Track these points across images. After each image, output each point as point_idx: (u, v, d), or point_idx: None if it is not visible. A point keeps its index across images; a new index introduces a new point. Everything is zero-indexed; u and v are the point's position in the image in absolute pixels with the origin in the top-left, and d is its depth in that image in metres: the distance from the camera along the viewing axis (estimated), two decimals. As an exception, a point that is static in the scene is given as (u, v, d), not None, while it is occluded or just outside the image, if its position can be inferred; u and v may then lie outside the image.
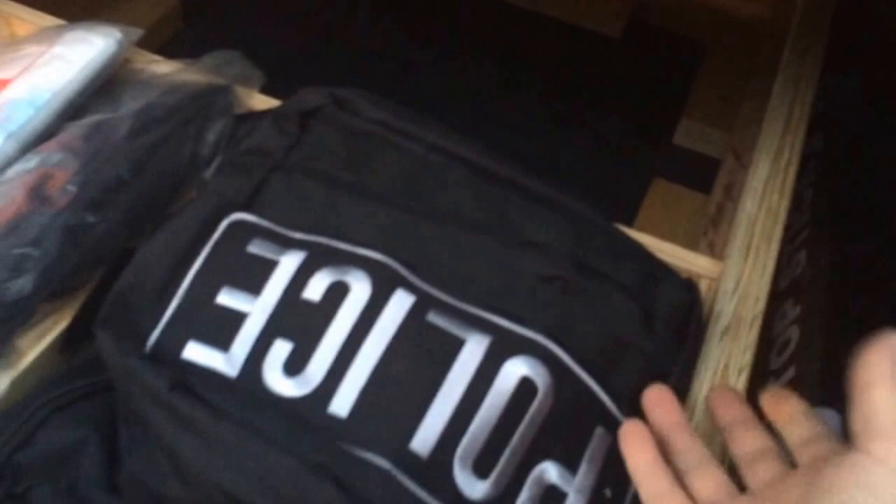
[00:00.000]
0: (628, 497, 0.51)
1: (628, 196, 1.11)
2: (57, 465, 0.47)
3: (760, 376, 0.84)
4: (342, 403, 0.47)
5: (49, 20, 0.74)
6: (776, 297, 0.93)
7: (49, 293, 0.54)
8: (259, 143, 0.58)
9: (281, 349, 0.49)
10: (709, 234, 0.93)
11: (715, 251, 0.89)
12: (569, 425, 0.51)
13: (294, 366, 0.49)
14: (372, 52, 1.28)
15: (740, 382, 0.57)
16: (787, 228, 0.98)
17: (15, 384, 0.52)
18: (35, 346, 0.54)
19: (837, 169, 1.00)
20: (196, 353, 0.50)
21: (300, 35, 1.27)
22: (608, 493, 0.50)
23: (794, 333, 0.89)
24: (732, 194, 0.97)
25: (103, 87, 0.67)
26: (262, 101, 0.69)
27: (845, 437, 0.41)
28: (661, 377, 0.54)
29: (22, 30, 0.73)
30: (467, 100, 1.21)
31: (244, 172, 0.56)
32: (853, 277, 0.87)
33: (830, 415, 0.71)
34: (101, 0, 1.00)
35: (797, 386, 0.79)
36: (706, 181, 1.12)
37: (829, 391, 0.74)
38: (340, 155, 0.57)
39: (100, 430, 0.49)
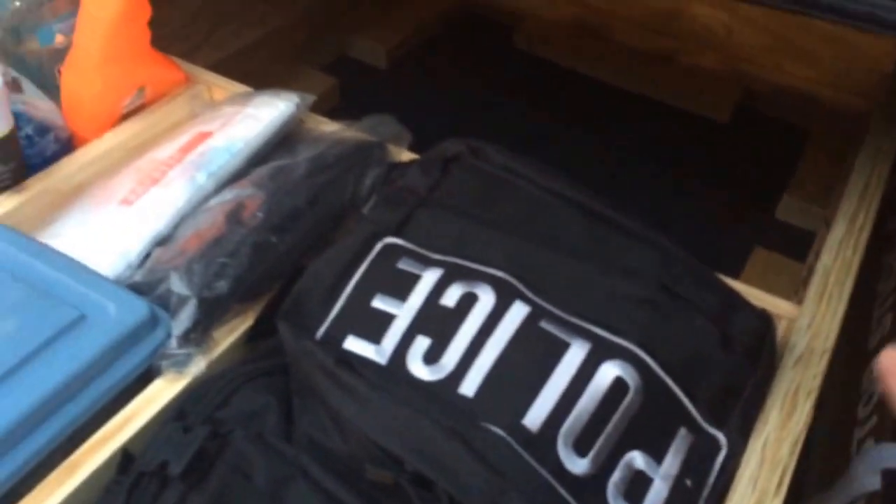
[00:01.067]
0: (706, 489, 0.60)
1: (730, 262, 1.20)
2: (247, 420, 0.60)
3: (849, 426, 0.92)
4: (470, 386, 0.59)
5: (239, 87, 0.90)
6: (866, 356, 1.00)
7: (240, 297, 0.68)
8: (408, 184, 0.72)
9: (422, 343, 0.62)
10: (798, 292, 1.01)
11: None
12: (655, 422, 0.61)
13: (432, 356, 0.61)
14: (506, 125, 1.42)
15: (808, 404, 0.66)
16: (877, 295, 1.06)
17: (210, 366, 0.66)
18: (226, 337, 0.68)
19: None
20: (354, 344, 0.63)
21: (441, 105, 1.43)
22: (689, 483, 0.60)
23: (877, 388, 0.96)
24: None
25: (283, 139, 0.82)
26: (408, 156, 0.83)
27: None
28: (736, 392, 0.64)
29: (219, 94, 0.90)
30: (586, 169, 1.33)
31: (396, 206, 0.70)
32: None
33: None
34: (276, 75, 1.18)
35: (878, 429, 0.86)
36: (804, 252, 1.20)
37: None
38: (473, 193, 0.71)
39: (279, 399, 0.62)
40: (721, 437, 0.62)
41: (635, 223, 0.69)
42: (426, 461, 0.55)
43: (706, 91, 1.53)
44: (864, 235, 0.79)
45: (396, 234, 0.69)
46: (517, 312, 0.62)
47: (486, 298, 0.63)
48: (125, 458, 0.59)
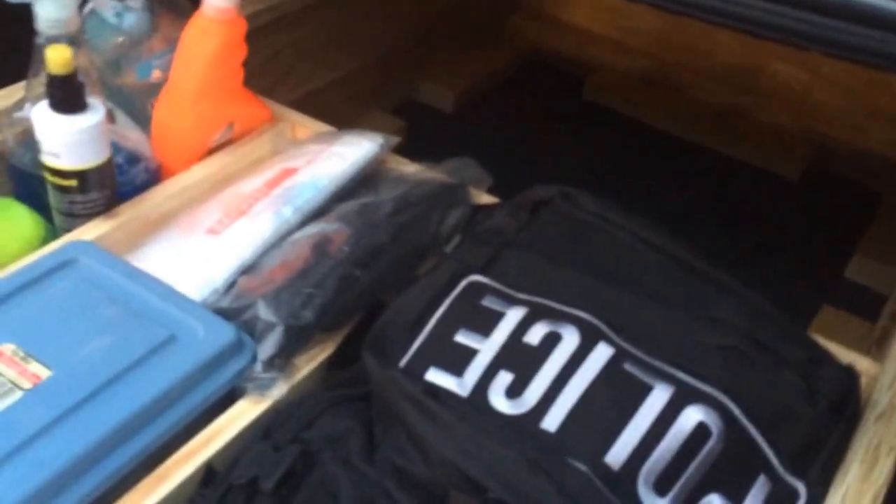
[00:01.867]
0: None
1: (798, 319, 1.20)
2: (331, 443, 0.63)
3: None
4: (552, 421, 0.61)
5: (322, 126, 0.95)
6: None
7: (323, 326, 0.72)
8: (496, 224, 0.76)
9: (504, 378, 0.64)
10: (871, 351, 1.02)
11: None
12: (735, 468, 0.62)
13: (514, 391, 0.63)
14: (572, 175, 1.44)
15: (890, 459, 0.67)
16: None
17: (291, 391, 0.69)
18: (307, 365, 0.71)
19: None
20: (436, 376, 0.66)
21: (505, 151, 1.47)
22: (766, 531, 0.61)
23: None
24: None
25: (365, 179, 0.86)
26: (488, 199, 0.86)
27: None
28: (818, 444, 0.66)
29: (301, 133, 0.94)
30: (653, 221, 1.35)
31: (483, 245, 0.74)
32: None
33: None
34: (347, 116, 1.23)
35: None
36: (873, 312, 1.21)
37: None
38: (561, 237, 0.74)
39: (361, 424, 0.65)
40: (801, 488, 0.63)
41: (723, 275, 0.72)
42: (510, 490, 0.57)
43: (778, 148, 1.55)
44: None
45: (482, 272, 0.72)
46: (601, 353, 0.64)
47: (571, 338, 0.65)
48: (209, 472, 0.62)
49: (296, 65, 1.28)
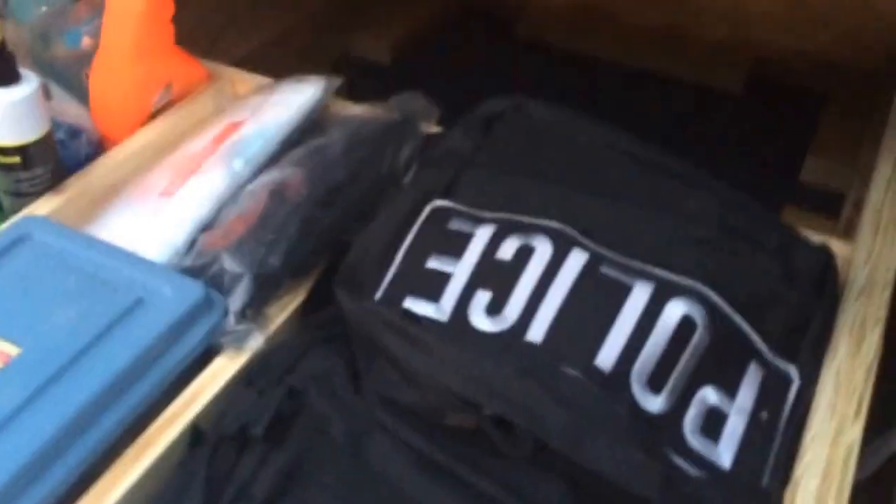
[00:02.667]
0: (782, 421, 0.61)
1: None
2: (316, 382, 0.61)
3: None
4: (537, 332, 0.60)
5: (261, 80, 0.92)
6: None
7: (291, 272, 0.70)
8: (451, 146, 0.74)
9: (482, 297, 0.63)
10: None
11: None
12: (725, 358, 0.62)
13: (494, 308, 0.62)
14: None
15: (876, 333, 0.67)
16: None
17: (268, 340, 0.67)
18: (281, 313, 0.69)
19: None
20: (413, 305, 0.64)
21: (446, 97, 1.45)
22: (764, 415, 0.61)
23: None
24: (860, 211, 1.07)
25: (312, 124, 0.84)
26: (436, 130, 0.84)
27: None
28: (804, 326, 0.65)
29: (241, 88, 0.92)
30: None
31: (441, 169, 0.72)
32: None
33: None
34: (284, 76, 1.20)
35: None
36: (834, 209, 1.21)
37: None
38: (519, 148, 0.73)
39: (344, 361, 0.63)
40: (792, 370, 0.63)
41: (689, 168, 0.70)
42: (506, 404, 0.56)
43: (718, 62, 1.55)
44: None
45: (444, 196, 0.70)
46: (576, 260, 0.63)
47: (543, 249, 0.64)
48: (195, 432, 0.60)
49: (225, 29, 1.24)
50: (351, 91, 1.44)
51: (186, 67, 0.88)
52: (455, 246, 0.66)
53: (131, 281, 0.67)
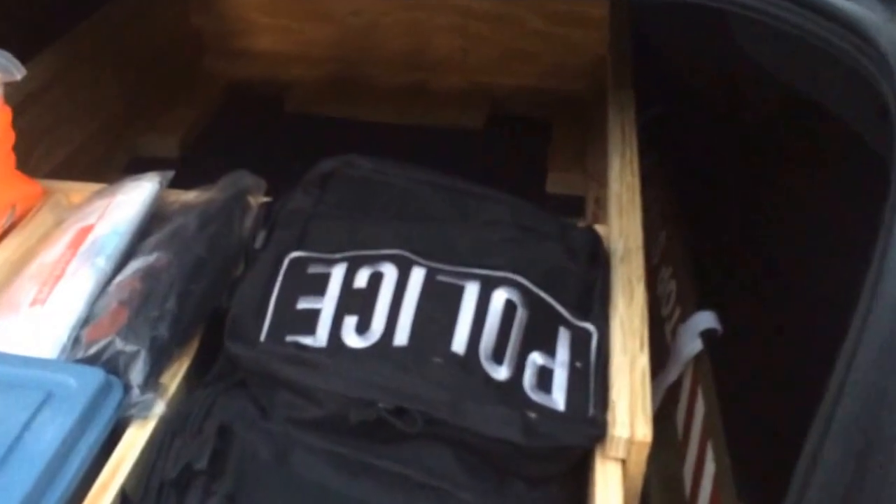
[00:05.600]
0: (591, 366, 0.76)
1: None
2: (234, 419, 0.69)
3: (660, 326, 1.11)
4: (402, 337, 0.72)
5: (93, 187, 0.97)
6: (654, 268, 1.22)
7: (178, 341, 0.76)
8: (296, 205, 0.85)
9: (350, 321, 0.74)
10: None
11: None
12: (541, 327, 0.76)
13: (362, 327, 0.73)
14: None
15: (641, 287, 0.84)
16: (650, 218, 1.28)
17: (169, 407, 0.73)
18: (174, 378, 0.76)
19: (672, 173, 1.31)
20: (294, 341, 0.73)
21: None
22: (579, 364, 0.75)
23: (672, 286, 1.17)
24: (601, 204, 1.26)
25: (155, 215, 0.90)
26: (265, 201, 0.93)
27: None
28: (589, 289, 0.81)
29: (76, 198, 0.96)
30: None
31: (291, 226, 0.82)
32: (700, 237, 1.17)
33: (708, 313, 0.98)
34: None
35: (684, 317, 1.05)
36: (580, 210, 1.41)
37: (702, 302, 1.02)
38: (353, 197, 0.85)
39: (248, 401, 0.71)
40: (590, 326, 0.78)
41: (477, 187, 0.85)
42: (395, 394, 0.67)
43: (459, 106, 1.72)
44: (636, 163, 0.99)
45: (299, 248, 0.80)
46: (417, 275, 0.75)
47: (390, 272, 0.75)
48: (123, 499, 0.66)
49: (31, 148, 1.25)
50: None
51: (27, 188, 0.92)
52: (317, 286, 0.76)
53: (35, 380, 0.71)
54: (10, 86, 1.13)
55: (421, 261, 0.77)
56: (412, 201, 0.84)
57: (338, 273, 0.76)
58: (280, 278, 0.78)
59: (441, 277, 0.75)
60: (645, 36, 1.34)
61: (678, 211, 1.27)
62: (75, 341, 0.78)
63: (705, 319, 0.99)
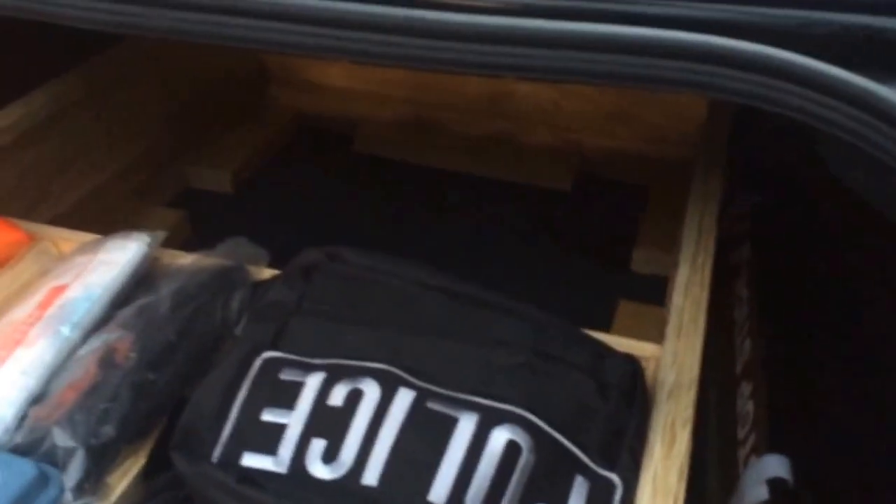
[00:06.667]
0: None
1: (599, 319, 1.27)
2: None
3: (733, 447, 1.00)
4: (372, 476, 0.64)
5: (87, 236, 0.93)
6: (735, 380, 1.10)
7: (128, 438, 0.71)
8: (275, 298, 0.78)
9: (318, 445, 0.66)
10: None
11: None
12: (552, 475, 0.67)
13: (330, 455, 0.65)
14: (360, 227, 1.47)
15: (686, 433, 0.73)
16: (735, 323, 1.16)
17: (111, 512, 0.67)
18: (121, 480, 0.70)
19: (763, 272, 1.20)
20: (252, 460, 0.67)
21: (292, 220, 1.48)
22: (593, 526, 0.66)
23: (750, 408, 1.06)
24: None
25: (141, 279, 0.85)
26: (269, 273, 0.87)
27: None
28: (620, 433, 0.71)
29: (67, 247, 0.92)
30: (445, 255, 1.38)
31: (267, 321, 0.75)
32: (784, 355, 1.05)
33: (779, 459, 0.87)
34: (122, 218, 1.21)
35: (757, 446, 0.94)
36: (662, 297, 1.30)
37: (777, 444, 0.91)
38: (339, 296, 0.78)
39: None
40: (615, 478, 0.69)
41: (498, 297, 0.76)
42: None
43: (545, 163, 1.65)
44: (707, 273, 0.89)
45: (273, 347, 0.73)
46: (403, 399, 0.67)
47: (372, 391, 0.68)
48: None
49: (55, 177, 1.24)
50: (195, 224, 1.46)
51: (3, 234, 0.89)
52: (287, 396, 0.69)
53: (-44, 468, 0.66)
54: (20, 111, 1.14)
55: (411, 380, 0.69)
56: (409, 308, 0.76)
57: (313, 383, 0.69)
58: (249, 381, 0.71)
59: (432, 405, 0.67)
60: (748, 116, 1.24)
61: (765, 319, 1.15)
62: (21, 420, 0.73)
63: (774, 466, 0.88)
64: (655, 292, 1.35)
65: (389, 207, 1.60)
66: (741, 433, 1.05)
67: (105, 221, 1.13)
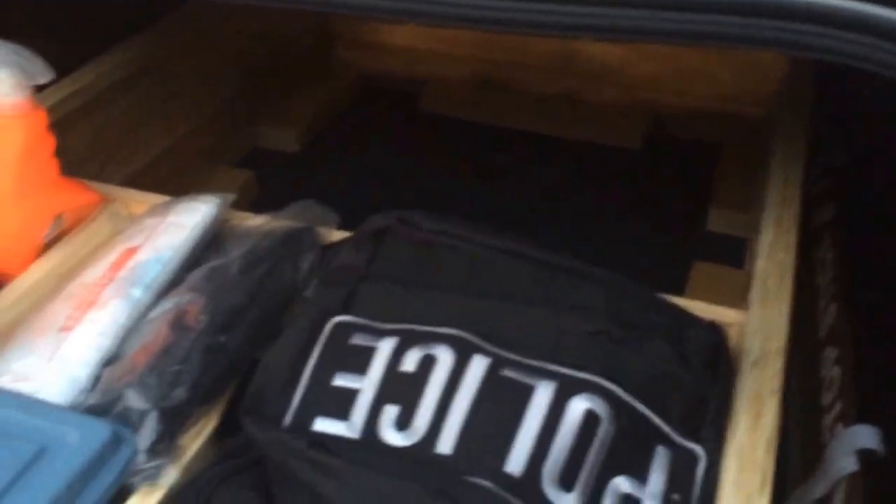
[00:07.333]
0: (693, 501, 0.63)
1: (673, 281, 1.23)
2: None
3: (817, 415, 0.96)
4: (446, 444, 0.61)
5: (157, 198, 0.92)
6: (818, 345, 1.06)
7: (199, 400, 0.70)
8: (345, 262, 0.76)
9: (390, 411, 0.64)
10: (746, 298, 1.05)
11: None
12: (632, 445, 0.64)
13: (403, 422, 0.63)
14: (427, 188, 1.44)
15: (774, 404, 0.70)
16: (818, 288, 1.11)
17: (183, 473, 0.67)
18: (194, 442, 0.69)
19: (848, 233, 1.14)
20: (324, 425, 0.65)
21: (359, 179, 1.46)
22: (676, 497, 0.63)
23: (836, 373, 1.02)
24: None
25: (211, 241, 0.84)
26: (338, 236, 0.85)
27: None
28: (703, 404, 0.68)
29: (137, 209, 0.92)
30: (514, 218, 1.35)
31: (337, 285, 0.74)
32: (872, 317, 1.00)
33: (869, 429, 0.83)
34: (190, 179, 1.21)
35: (844, 414, 0.90)
36: (742, 259, 1.25)
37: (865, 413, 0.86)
38: (411, 260, 0.75)
39: (259, 493, 0.63)
40: (698, 449, 0.65)
41: (573, 262, 0.73)
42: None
43: (614, 122, 1.60)
44: (793, 236, 0.84)
45: (343, 312, 0.71)
46: (478, 366, 0.65)
47: (445, 358, 0.65)
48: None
49: (124, 140, 1.24)
50: (262, 183, 1.46)
51: (76, 196, 0.89)
52: (360, 361, 0.67)
53: (32, 429, 0.66)
54: (92, 74, 1.13)
55: (485, 347, 0.66)
56: (483, 272, 0.73)
57: (384, 349, 0.67)
58: (319, 346, 0.69)
59: (507, 372, 0.64)
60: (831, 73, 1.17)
61: (851, 282, 1.10)
62: (96, 381, 0.73)
63: (864, 436, 0.83)
64: (731, 254, 1.31)
65: (456, 167, 1.57)
66: (825, 400, 1.00)
67: (175, 183, 1.13)
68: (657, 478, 0.63)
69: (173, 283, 0.80)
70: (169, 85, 1.32)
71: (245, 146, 1.56)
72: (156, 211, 0.87)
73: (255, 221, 0.87)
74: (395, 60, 1.71)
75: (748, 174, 1.43)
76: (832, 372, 1.03)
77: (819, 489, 0.90)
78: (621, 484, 0.62)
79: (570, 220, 1.41)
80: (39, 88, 0.81)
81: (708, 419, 0.67)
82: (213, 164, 1.45)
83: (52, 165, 0.85)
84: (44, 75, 0.77)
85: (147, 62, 1.25)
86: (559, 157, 1.59)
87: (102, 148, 1.18)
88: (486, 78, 1.68)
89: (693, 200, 1.46)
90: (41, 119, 0.83)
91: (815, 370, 1.04)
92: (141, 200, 0.93)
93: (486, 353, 0.65)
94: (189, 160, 1.38)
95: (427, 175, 1.52)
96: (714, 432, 0.66)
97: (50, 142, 0.84)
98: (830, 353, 1.06)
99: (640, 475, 0.63)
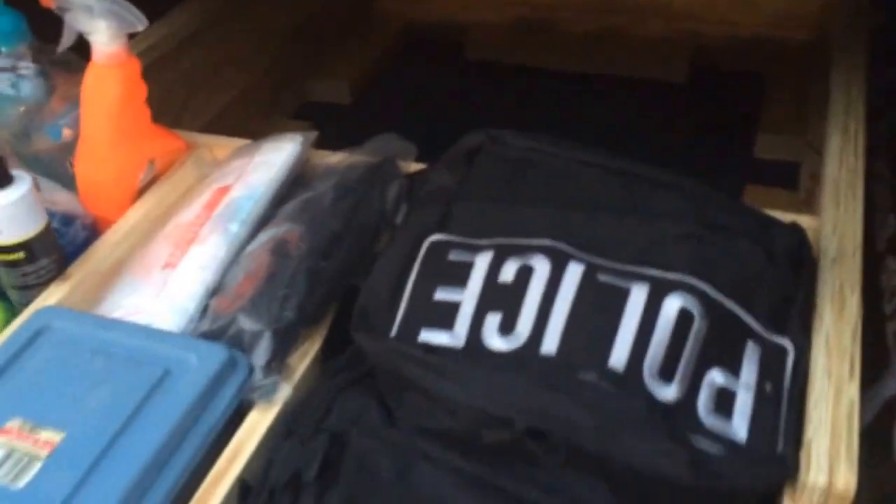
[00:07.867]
0: (785, 390, 0.66)
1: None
2: (352, 424, 0.64)
3: (880, 323, 0.98)
4: (550, 345, 0.64)
5: (237, 142, 0.95)
6: (878, 256, 1.07)
7: (305, 322, 0.73)
8: (438, 182, 0.78)
9: (493, 319, 0.67)
10: (802, 212, 1.07)
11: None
12: (724, 341, 0.66)
13: (506, 328, 0.66)
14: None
15: (855, 297, 0.72)
16: (874, 199, 1.13)
17: (295, 390, 0.70)
18: (302, 361, 0.73)
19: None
20: (428, 336, 0.68)
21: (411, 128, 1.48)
22: (768, 387, 0.65)
23: (897, 281, 1.03)
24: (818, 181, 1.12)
25: (297, 177, 0.87)
26: (417, 167, 0.88)
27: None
28: (788, 299, 0.70)
29: (220, 153, 0.95)
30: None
31: (432, 205, 0.76)
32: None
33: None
34: (252, 131, 1.23)
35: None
36: (792, 180, 1.27)
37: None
38: (503, 177, 0.77)
39: (375, 399, 0.66)
40: (786, 342, 0.68)
41: (656, 171, 0.75)
42: (534, 416, 0.60)
43: (659, 56, 1.60)
44: (861, 141, 0.86)
45: (439, 230, 0.74)
46: (573, 273, 0.67)
47: (542, 267, 0.68)
48: (243, 487, 0.63)
49: (189, 98, 1.27)
50: (318, 135, 1.48)
51: (166, 142, 0.92)
52: (458, 275, 0.70)
53: (155, 355, 0.70)
54: (160, 33, 1.16)
55: (579, 255, 0.68)
56: (572, 185, 0.75)
57: (482, 263, 0.70)
58: (418, 264, 0.72)
59: (602, 277, 0.67)
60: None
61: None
62: (203, 311, 0.76)
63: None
64: (782, 176, 1.32)
65: (504, 111, 1.58)
66: (888, 308, 1.02)
67: (237, 134, 1.15)
68: (749, 370, 0.66)
69: (265, 218, 0.83)
70: (227, 43, 1.35)
71: (298, 100, 1.59)
72: (242, 152, 0.90)
73: (336, 158, 0.90)
74: (439, 8, 1.72)
75: (794, 100, 1.44)
76: (893, 281, 1.05)
77: (891, 387, 0.93)
78: (716, 376, 0.65)
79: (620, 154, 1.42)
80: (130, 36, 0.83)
81: (794, 315, 0.69)
82: (272, 117, 1.48)
83: (145, 113, 0.88)
84: (139, 23, 0.80)
85: (207, 21, 1.28)
86: (606, 95, 1.60)
87: (167, 108, 1.22)
88: (529, 21, 1.69)
89: (740, 127, 1.47)
90: (136, 67, 0.85)
91: (875, 280, 1.05)
92: (222, 145, 0.96)
93: (580, 260, 0.68)
94: (246, 116, 1.41)
95: (475, 121, 1.54)
96: (800, 326, 0.69)
97: (143, 89, 0.86)
98: (891, 262, 1.08)
99: (734, 367, 0.66)
